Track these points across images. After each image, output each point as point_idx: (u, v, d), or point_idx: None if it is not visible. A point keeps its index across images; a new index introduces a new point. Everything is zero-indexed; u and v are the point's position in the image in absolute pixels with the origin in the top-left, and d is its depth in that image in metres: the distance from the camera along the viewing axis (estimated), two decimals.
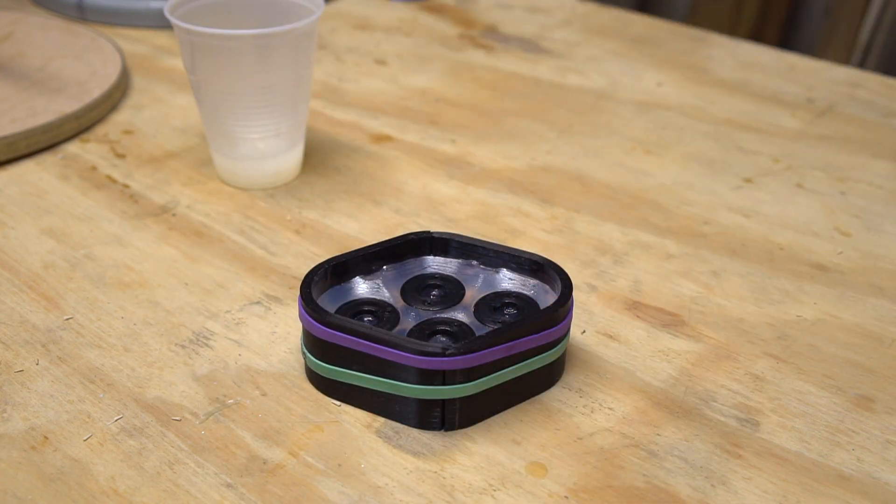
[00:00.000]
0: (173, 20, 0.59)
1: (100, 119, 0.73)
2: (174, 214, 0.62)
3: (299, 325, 0.51)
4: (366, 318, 0.49)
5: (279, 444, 0.45)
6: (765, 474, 0.44)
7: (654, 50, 0.87)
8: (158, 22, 0.88)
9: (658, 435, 0.46)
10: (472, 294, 0.50)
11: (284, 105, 0.62)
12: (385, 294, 0.50)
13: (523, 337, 0.45)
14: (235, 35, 0.59)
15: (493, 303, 0.50)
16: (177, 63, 0.83)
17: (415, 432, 0.46)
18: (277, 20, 0.61)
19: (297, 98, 0.62)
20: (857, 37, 1.33)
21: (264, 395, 0.48)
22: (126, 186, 0.65)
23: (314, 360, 0.47)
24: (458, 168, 0.68)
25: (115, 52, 0.80)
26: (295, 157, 0.65)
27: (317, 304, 0.46)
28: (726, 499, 0.43)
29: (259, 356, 0.50)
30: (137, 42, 0.86)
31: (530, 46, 0.87)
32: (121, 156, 0.69)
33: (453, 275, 0.51)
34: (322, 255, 0.58)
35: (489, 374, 0.45)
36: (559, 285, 0.48)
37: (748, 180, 0.67)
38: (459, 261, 0.52)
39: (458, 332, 0.47)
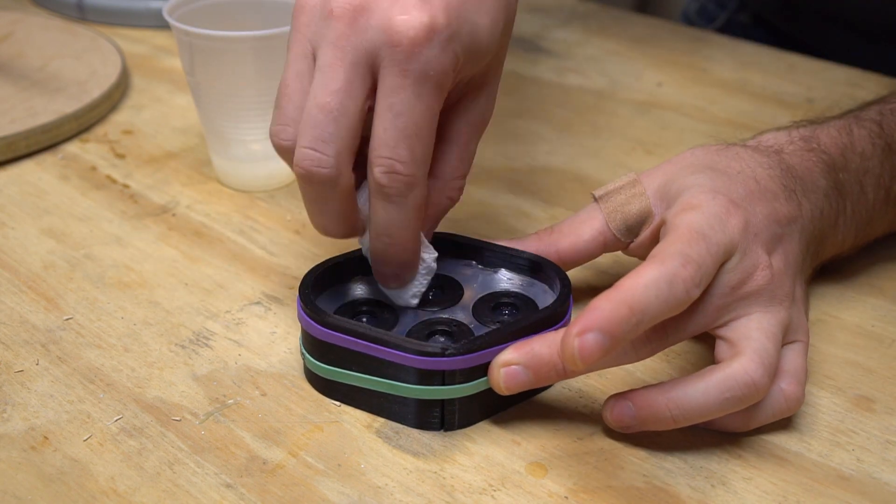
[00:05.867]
0: (172, 22, 0.59)
1: (99, 119, 0.73)
2: (174, 214, 0.62)
3: (299, 326, 0.51)
4: (364, 319, 0.49)
5: (279, 445, 0.45)
6: (765, 474, 0.44)
7: (654, 50, 0.87)
8: (158, 22, 0.88)
9: (658, 435, 0.45)
10: (471, 294, 0.50)
11: None
12: (384, 294, 0.50)
13: (522, 337, 0.45)
14: (234, 37, 0.58)
15: (492, 303, 0.50)
16: (177, 63, 0.82)
17: (414, 432, 0.46)
18: (277, 22, 0.61)
19: None
20: None
21: (264, 395, 0.48)
22: (126, 186, 0.65)
23: (313, 360, 0.47)
24: None
25: (115, 53, 0.80)
26: None
27: (315, 305, 0.46)
28: (726, 499, 0.42)
29: (259, 356, 0.50)
30: (137, 42, 0.86)
31: (530, 46, 0.87)
32: (120, 156, 0.69)
33: (452, 275, 0.51)
34: (322, 255, 0.58)
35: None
36: (558, 285, 0.48)
37: None
38: (458, 261, 0.52)
39: (457, 333, 0.47)
